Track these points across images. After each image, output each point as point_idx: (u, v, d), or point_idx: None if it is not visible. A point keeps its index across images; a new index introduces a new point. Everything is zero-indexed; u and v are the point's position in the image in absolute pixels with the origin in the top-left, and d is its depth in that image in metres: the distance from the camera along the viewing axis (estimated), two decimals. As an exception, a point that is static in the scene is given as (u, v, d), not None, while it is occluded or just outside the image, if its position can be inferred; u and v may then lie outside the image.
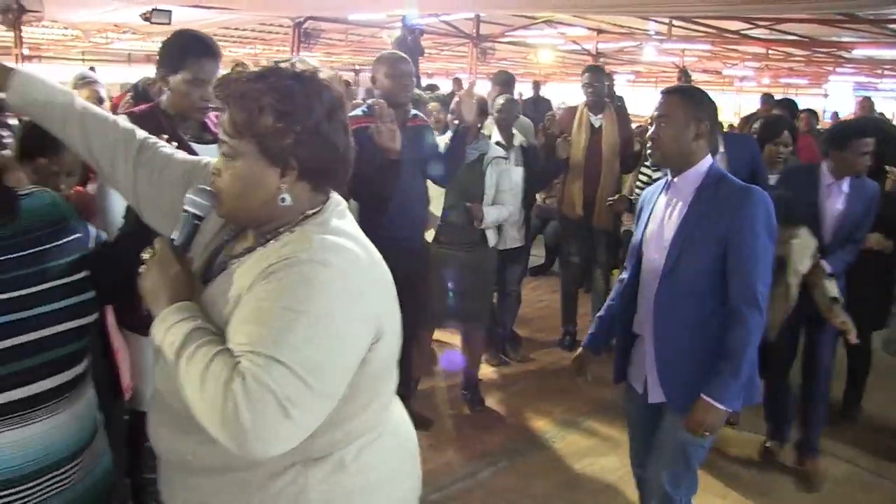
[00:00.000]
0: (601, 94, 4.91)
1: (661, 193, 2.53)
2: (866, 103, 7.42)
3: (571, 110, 5.05)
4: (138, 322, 2.09)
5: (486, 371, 4.72)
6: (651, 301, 2.44)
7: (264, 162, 1.36)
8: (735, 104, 21.21)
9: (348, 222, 1.45)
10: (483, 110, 4.23)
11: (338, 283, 1.29)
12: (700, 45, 13.42)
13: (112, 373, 2.41)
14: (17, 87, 1.52)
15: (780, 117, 4.86)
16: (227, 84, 1.37)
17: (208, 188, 1.42)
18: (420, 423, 3.67)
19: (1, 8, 8.38)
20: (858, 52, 12.07)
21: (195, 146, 2.46)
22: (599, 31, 13.68)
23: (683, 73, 8.97)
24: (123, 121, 1.65)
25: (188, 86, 2.46)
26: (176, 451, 1.43)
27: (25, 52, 15.37)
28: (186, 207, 1.42)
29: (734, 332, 2.28)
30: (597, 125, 4.87)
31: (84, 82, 4.28)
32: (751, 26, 10.80)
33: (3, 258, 1.43)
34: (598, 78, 4.89)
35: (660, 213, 2.49)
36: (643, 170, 4.88)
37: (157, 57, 2.51)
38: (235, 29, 15.16)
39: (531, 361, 5.02)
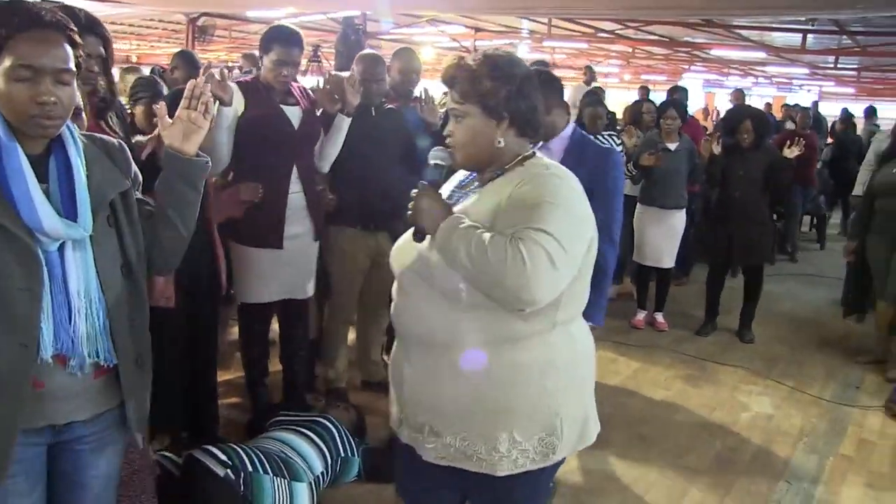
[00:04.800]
0: None
1: None
2: (739, 94, 8.54)
3: None
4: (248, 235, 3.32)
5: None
6: None
7: (485, 116, 1.87)
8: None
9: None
10: None
11: (574, 189, 1.85)
12: (575, 44, 14.43)
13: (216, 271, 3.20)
14: None
15: (667, 100, 6.47)
16: (451, 70, 1.90)
17: (444, 147, 1.97)
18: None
19: None
20: (715, 53, 13.46)
21: (284, 107, 3.30)
22: (477, 30, 14.44)
23: (589, 69, 9.98)
24: None
25: (274, 64, 3.19)
26: (453, 331, 1.83)
27: None
28: (433, 161, 2.01)
29: (597, 265, 2.98)
30: None
31: None
32: (623, 27, 11.85)
33: None
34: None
35: None
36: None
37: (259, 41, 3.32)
38: (112, 24, 14.85)
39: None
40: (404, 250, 1.96)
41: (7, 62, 1.52)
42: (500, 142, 1.88)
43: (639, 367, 4.91)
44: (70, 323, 1.62)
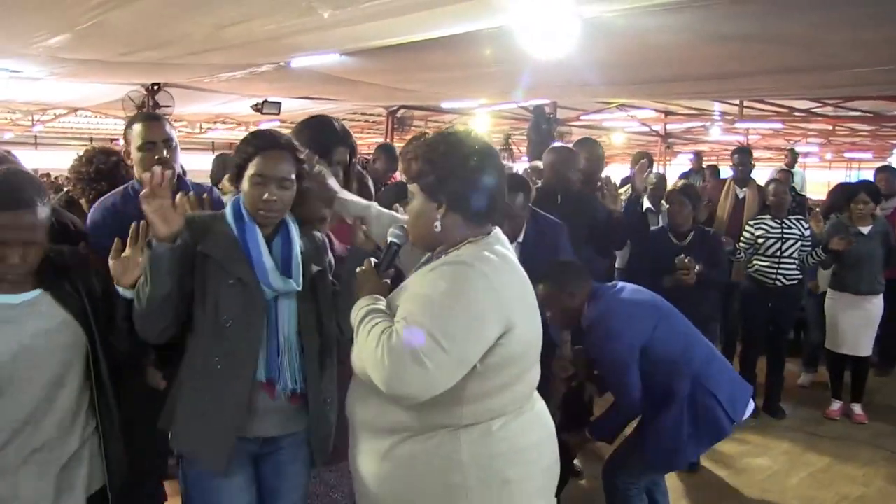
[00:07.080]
0: (748, 171, 5.96)
1: None
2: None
3: (720, 182, 6.15)
4: None
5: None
6: None
7: (425, 198, 1.86)
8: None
9: (505, 248, 1.89)
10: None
11: (478, 281, 1.74)
12: (769, 124, 14.02)
13: None
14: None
15: (857, 184, 6.15)
16: (405, 146, 2.03)
17: (404, 224, 2.01)
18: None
19: (137, 103, 9.43)
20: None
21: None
22: (668, 113, 14.39)
23: (791, 152, 9.95)
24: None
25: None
26: (364, 412, 1.91)
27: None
28: (390, 239, 2.02)
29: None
30: (741, 196, 5.80)
31: None
32: (820, 104, 11.39)
33: None
34: (745, 159, 5.97)
35: None
36: (747, 227, 5.43)
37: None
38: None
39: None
40: None
41: (251, 171, 2.12)
42: (437, 226, 1.85)
43: (831, 461, 4.60)
44: (278, 357, 2.11)
